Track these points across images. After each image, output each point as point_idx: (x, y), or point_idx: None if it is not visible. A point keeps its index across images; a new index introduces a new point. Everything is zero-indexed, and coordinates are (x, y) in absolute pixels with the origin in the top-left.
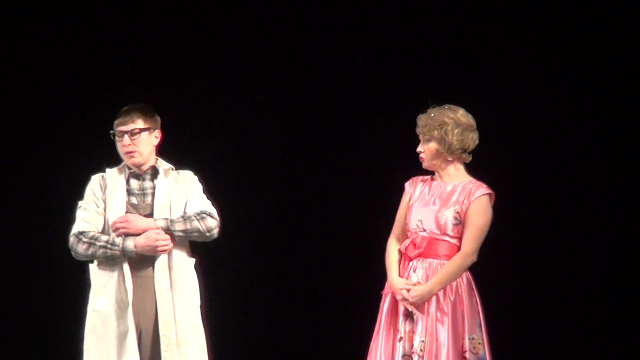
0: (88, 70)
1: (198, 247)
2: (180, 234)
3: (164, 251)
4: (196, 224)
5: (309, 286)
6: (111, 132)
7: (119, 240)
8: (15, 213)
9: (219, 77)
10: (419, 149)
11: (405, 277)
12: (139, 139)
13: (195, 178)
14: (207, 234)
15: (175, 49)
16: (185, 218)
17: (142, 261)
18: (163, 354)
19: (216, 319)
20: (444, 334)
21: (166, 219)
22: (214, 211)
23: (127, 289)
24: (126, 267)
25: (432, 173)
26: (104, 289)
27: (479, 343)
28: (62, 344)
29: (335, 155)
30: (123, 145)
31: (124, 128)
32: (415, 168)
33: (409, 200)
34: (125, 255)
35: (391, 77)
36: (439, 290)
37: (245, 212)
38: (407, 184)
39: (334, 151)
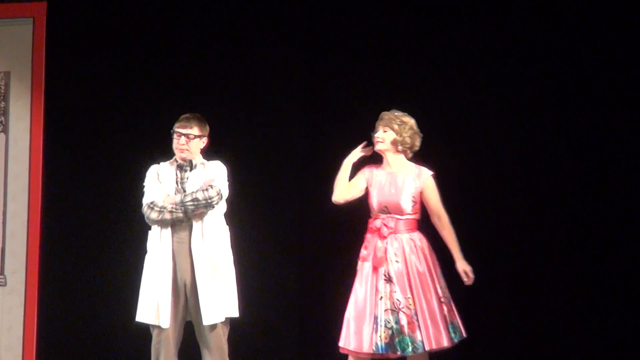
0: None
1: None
2: (190, 204)
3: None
4: (199, 194)
5: (325, 249)
6: (172, 130)
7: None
8: (97, 196)
9: (244, 76)
10: (378, 134)
11: (383, 252)
12: (191, 142)
13: (220, 167)
14: (209, 201)
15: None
16: (192, 192)
17: (181, 230)
18: (201, 298)
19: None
20: (427, 287)
21: (181, 194)
22: (218, 185)
23: (168, 252)
24: (169, 235)
25: (379, 159)
26: (154, 252)
27: (445, 287)
28: (128, 291)
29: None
30: (179, 143)
31: (182, 131)
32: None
33: (367, 182)
34: (186, 214)
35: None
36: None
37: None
38: (364, 169)
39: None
